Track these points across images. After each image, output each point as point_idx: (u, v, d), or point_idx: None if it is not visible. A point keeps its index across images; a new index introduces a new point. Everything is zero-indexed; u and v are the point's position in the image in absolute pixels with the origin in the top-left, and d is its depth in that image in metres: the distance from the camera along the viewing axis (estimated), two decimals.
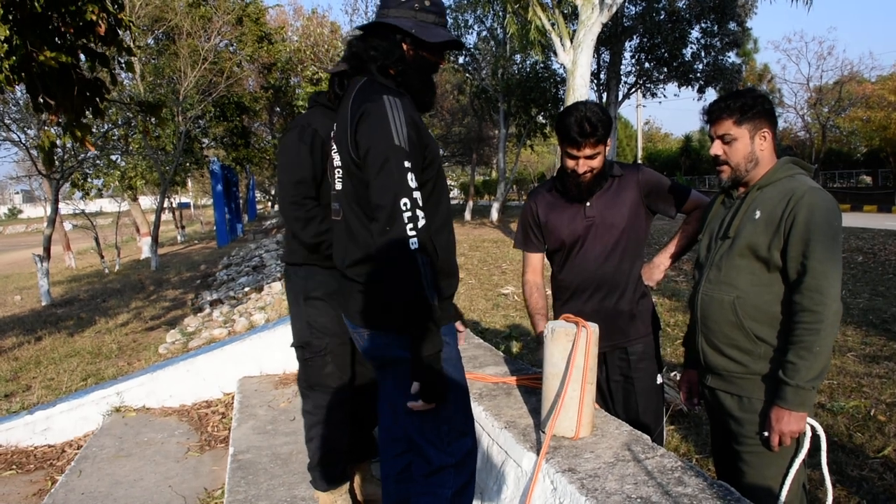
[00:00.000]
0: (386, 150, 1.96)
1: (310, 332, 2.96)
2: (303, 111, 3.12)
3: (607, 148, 2.85)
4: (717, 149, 2.45)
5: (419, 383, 1.99)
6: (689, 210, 2.96)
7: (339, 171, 2.18)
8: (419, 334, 1.97)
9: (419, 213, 1.95)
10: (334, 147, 2.20)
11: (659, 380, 3.00)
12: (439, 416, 2.14)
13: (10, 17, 4.14)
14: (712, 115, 2.45)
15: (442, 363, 2.06)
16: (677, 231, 2.99)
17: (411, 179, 1.96)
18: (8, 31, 4.01)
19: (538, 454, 2.13)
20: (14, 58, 4.16)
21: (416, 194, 1.96)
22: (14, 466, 4.66)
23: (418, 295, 1.93)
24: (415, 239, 1.92)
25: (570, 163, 2.82)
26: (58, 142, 11.51)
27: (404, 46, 2.15)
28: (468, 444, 2.22)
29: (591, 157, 2.78)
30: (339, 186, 2.18)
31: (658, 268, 2.97)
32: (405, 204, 1.93)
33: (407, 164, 1.96)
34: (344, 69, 2.86)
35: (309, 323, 2.96)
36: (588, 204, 2.90)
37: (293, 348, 3.07)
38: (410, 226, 1.92)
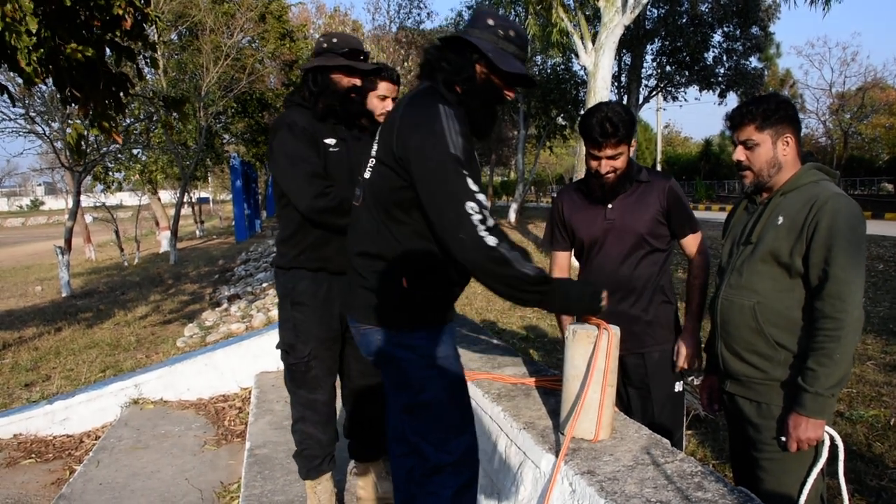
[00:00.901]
0: (443, 159, 1.94)
1: (295, 335, 2.97)
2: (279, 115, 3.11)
3: (631, 148, 2.84)
4: (739, 154, 2.44)
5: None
6: (689, 246, 2.95)
7: (372, 161, 2.17)
8: (554, 307, 2.19)
9: (486, 212, 1.94)
10: (376, 137, 2.19)
11: (678, 387, 2.98)
12: (435, 413, 2.16)
13: (40, 10, 4.19)
14: (734, 120, 2.44)
15: (439, 361, 2.16)
16: (688, 293, 2.98)
17: (471, 184, 1.95)
18: (37, 24, 4.06)
19: (557, 456, 2.13)
20: (42, 50, 4.20)
21: (480, 196, 1.95)
22: (33, 455, 4.71)
23: (523, 278, 1.96)
24: (490, 237, 1.92)
25: (593, 163, 2.82)
26: (86, 133, 11.61)
27: (477, 67, 2.13)
28: (466, 441, 2.21)
29: (613, 158, 2.78)
30: (367, 175, 2.18)
31: (691, 353, 2.91)
32: (472, 207, 1.92)
33: (464, 171, 1.95)
34: (315, 65, 2.89)
35: (295, 326, 2.97)
36: (610, 206, 2.89)
37: (277, 350, 3.09)
38: (482, 227, 1.91)
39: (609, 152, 2.76)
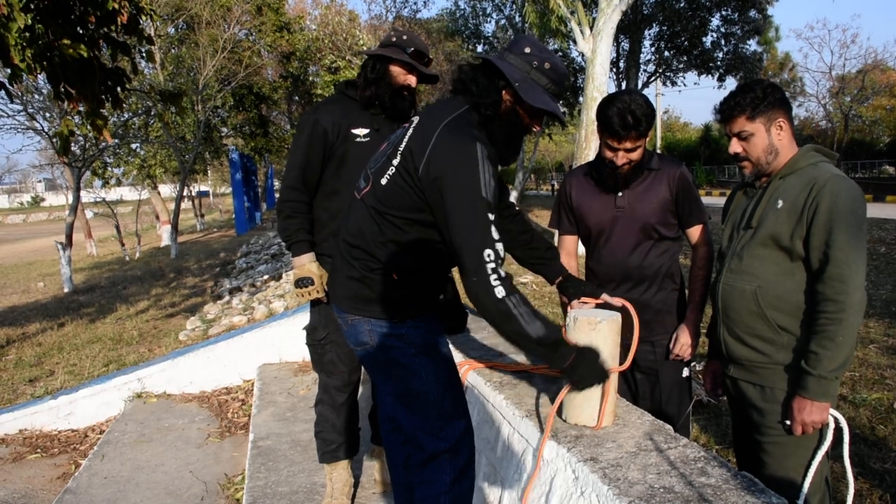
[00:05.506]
0: (473, 201, 1.95)
1: (318, 318, 3.09)
2: (320, 100, 3.19)
3: (648, 140, 2.78)
4: (735, 146, 2.41)
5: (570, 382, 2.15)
6: (694, 238, 2.92)
7: (392, 169, 2.12)
8: (548, 361, 2.09)
9: (500, 262, 1.96)
10: (402, 147, 2.13)
11: (685, 372, 2.97)
12: (428, 401, 2.18)
13: (33, 6, 4.16)
14: (724, 113, 2.40)
15: (427, 349, 2.20)
16: (691, 283, 2.95)
17: (494, 231, 1.96)
18: (30, 20, 4.03)
19: (557, 442, 2.12)
20: (35, 47, 4.18)
21: (499, 246, 1.97)
22: (39, 450, 4.73)
23: (525, 336, 1.99)
24: (500, 288, 1.94)
25: (609, 154, 2.75)
26: (76, 131, 11.58)
27: (504, 95, 2.11)
28: (461, 426, 2.24)
29: (630, 150, 2.71)
30: (383, 181, 2.13)
31: (690, 343, 2.89)
32: (489, 255, 1.94)
33: (491, 216, 1.96)
34: (377, 53, 2.94)
35: (320, 309, 3.08)
36: (620, 194, 2.84)
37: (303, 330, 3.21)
38: (494, 277, 1.94)
39: (628, 145, 2.69)
